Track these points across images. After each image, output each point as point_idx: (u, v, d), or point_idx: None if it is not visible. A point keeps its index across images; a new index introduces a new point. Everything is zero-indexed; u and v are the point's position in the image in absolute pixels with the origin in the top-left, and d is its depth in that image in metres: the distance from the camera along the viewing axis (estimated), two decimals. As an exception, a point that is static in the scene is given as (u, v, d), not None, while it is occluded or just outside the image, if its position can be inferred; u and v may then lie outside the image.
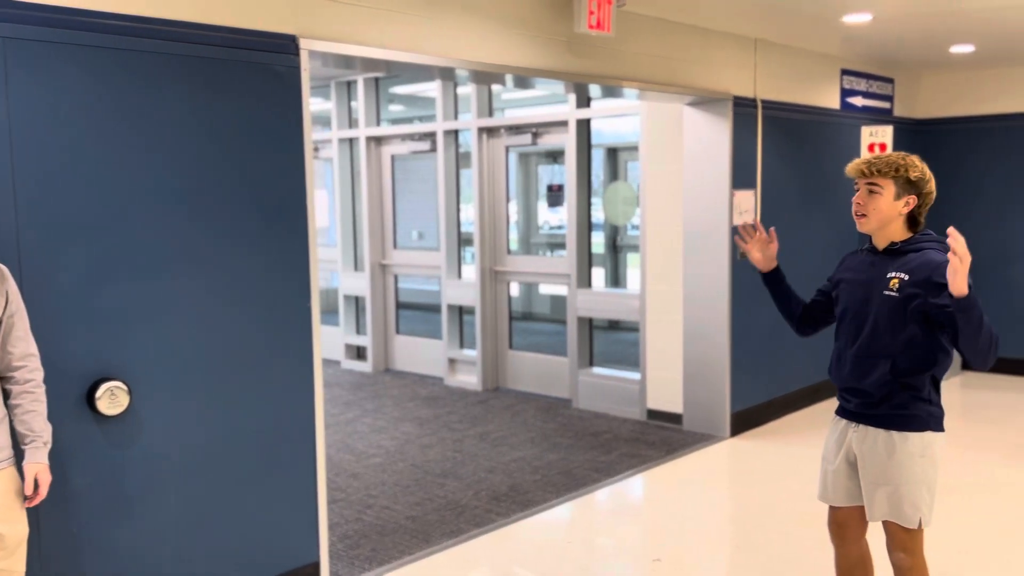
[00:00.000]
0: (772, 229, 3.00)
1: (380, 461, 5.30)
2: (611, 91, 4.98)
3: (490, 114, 7.10)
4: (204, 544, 3.19)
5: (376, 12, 3.61)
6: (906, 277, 2.59)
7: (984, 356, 2.44)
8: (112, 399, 2.89)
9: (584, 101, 6.47)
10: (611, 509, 4.70)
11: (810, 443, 5.47)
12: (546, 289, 7.52)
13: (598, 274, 6.91)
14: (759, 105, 5.75)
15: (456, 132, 7.34)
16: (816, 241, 6.29)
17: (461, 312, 7.47)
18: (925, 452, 2.62)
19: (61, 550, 2.86)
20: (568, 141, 6.55)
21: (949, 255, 2.33)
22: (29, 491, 2.45)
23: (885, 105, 7.08)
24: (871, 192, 2.66)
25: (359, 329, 8.28)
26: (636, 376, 6.28)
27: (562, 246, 7.15)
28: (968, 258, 2.32)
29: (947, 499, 4.44)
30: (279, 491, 3.39)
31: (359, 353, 8.18)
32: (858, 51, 6.29)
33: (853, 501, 2.79)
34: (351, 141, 8.20)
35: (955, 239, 2.30)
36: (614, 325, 7.08)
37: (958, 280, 2.33)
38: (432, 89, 7.54)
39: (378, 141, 7.94)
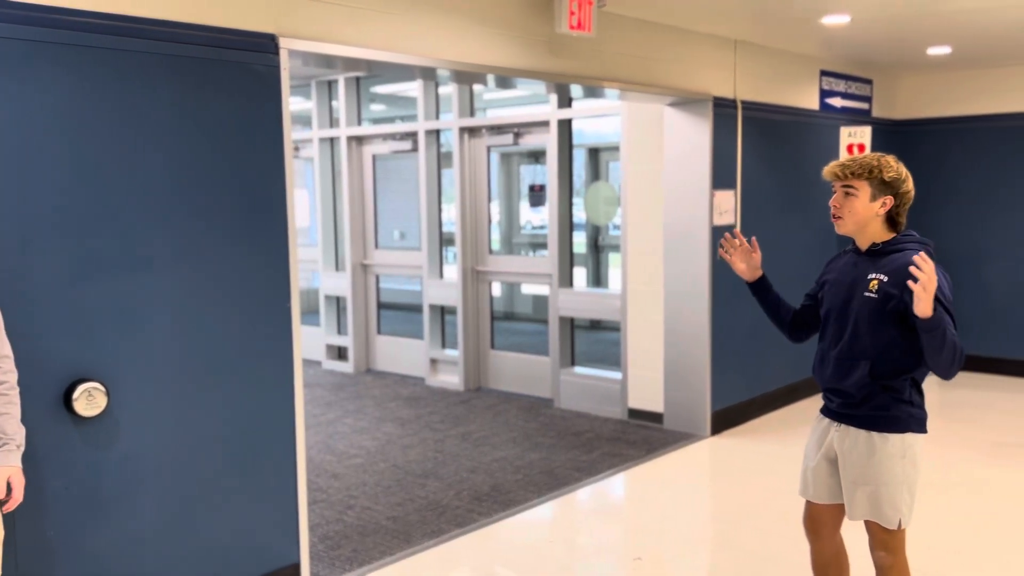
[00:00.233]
0: (754, 239, 3.00)
1: (361, 462, 5.28)
2: (592, 91, 4.99)
3: (472, 114, 7.09)
4: (183, 546, 3.17)
5: (356, 11, 3.60)
6: (885, 279, 2.61)
7: (947, 369, 2.49)
8: (89, 400, 2.87)
9: (565, 101, 6.48)
10: (592, 508, 4.72)
11: (789, 442, 5.50)
12: (528, 289, 7.53)
13: (580, 274, 6.93)
14: (739, 106, 5.78)
15: (438, 132, 7.34)
16: (796, 241, 6.34)
17: (443, 312, 7.47)
18: (906, 453, 2.64)
19: (37, 554, 2.83)
20: (550, 141, 6.56)
21: (912, 283, 2.36)
22: (1, 495, 2.42)
23: (864, 106, 7.14)
24: (847, 194, 2.67)
25: (340, 329, 8.25)
26: (617, 376, 6.30)
27: (544, 246, 7.16)
28: (934, 283, 2.35)
29: (927, 497, 4.48)
30: (259, 492, 3.37)
31: (340, 353, 8.16)
32: (837, 52, 6.34)
33: (833, 499, 2.81)
34: (332, 140, 8.17)
35: (922, 263, 2.34)
36: (595, 325, 7.10)
37: (922, 304, 2.38)
38: (413, 89, 7.53)
39: (359, 141, 7.92)
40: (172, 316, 3.09)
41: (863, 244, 2.72)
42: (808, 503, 2.89)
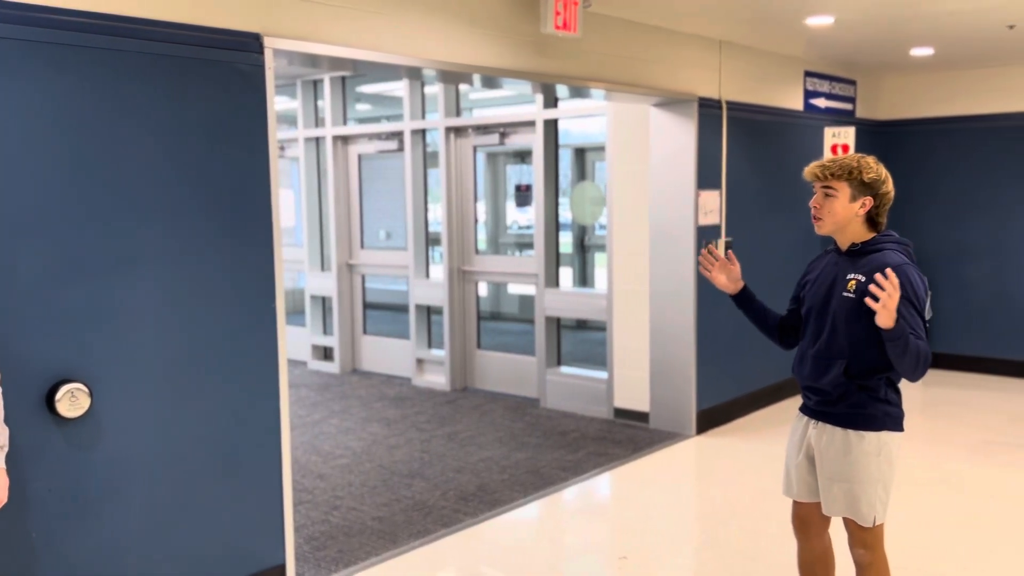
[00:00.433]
0: (730, 252, 3.03)
1: (347, 462, 5.27)
2: (578, 91, 5.00)
3: (458, 114, 7.09)
4: (168, 548, 3.16)
5: (341, 10, 3.60)
6: (862, 279, 2.63)
7: (911, 372, 2.54)
8: (72, 401, 2.85)
9: (551, 101, 6.49)
10: (578, 508, 4.73)
11: (774, 440, 5.53)
12: (514, 289, 7.53)
13: (566, 274, 6.93)
14: (724, 106, 5.80)
15: (424, 132, 7.33)
16: (781, 241, 6.37)
17: (429, 312, 7.46)
18: (881, 451, 2.66)
19: (20, 556, 2.81)
20: (536, 141, 6.56)
21: (871, 303, 2.40)
22: (-14, 495, 2.41)
23: (847, 107, 7.18)
24: (827, 195, 2.70)
25: (326, 329, 8.22)
26: (603, 375, 6.31)
27: (530, 246, 7.16)
28: (896, 296, 2.39)
29: (909, 495, 4.52)
30: (244, 493, 3.36)
31: (326, 354, 8.13)
32: (821, 53, 6.37)
33: (814, 497, 2.83)
34: (317, 140, 8.14)
35: (884, 282, 2.39)
36: (582, 324, 7.11)
37: (882, 318, 2.42)
38: (399, 88, 7.51)
39: (345, 140, 7.90)
40: (156, 316, 3.08)
41: (843, 244, 2.75)
42: (795, 503, 2.91)
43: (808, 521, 2.89)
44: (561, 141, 6.68)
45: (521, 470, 5.08)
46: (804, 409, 2.85)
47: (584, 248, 7.34)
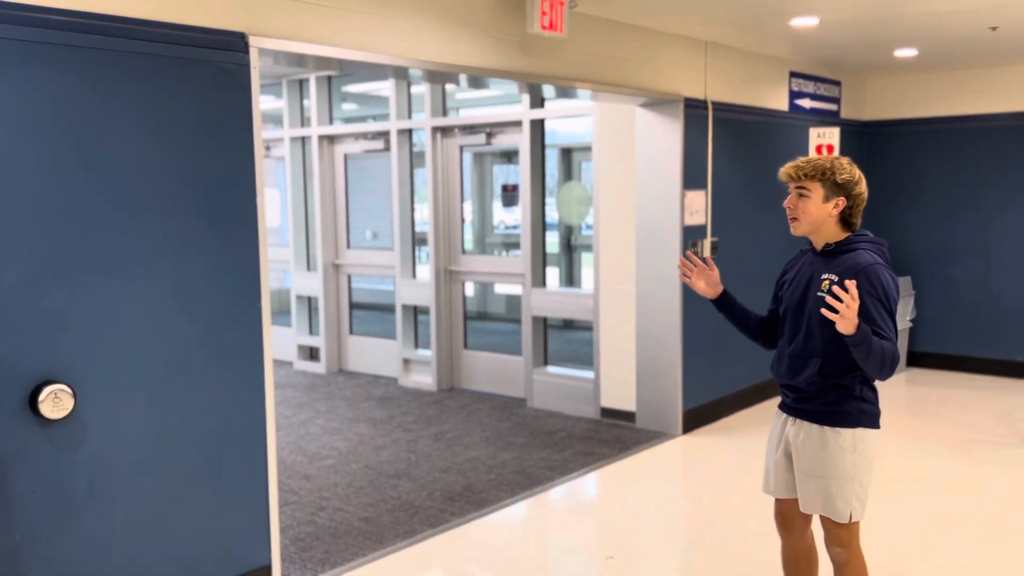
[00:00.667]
0: (708, 257, 3.04)
1: (333, 462, 5.26)
2: (564, 92, 5.01)
3: (444, 114, 7.08)
4: (153, 549, 3.14)
5: (327, 9, 3.59)
6: (835, 278, 2.66)
7: (877, 374, 2.59)
8: (56, 402, 2.83)
9: (538, 101, 6.49)
10: (565, 507, 4.73)
11: (759, 439, 5.54)
12: (501, 289, 7.53)
13: (552, 274, 6.94)
14: (710, 106, 5.82)
15: (410, 131, 7.32)
16: (766, 240, 6.39)
17: (416, 312, 7.45)
18: (856, 447, 2.69)
19: (4, 558, 2.78)
20: (522, 141, 6.56)
21: (828, 312, 2.44)
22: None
23: (832, 107, 7.22)
24: (800, 195, 2.74)
25: (312, 330, 8.20)
26: (590, 375, 6.32)
27: (517, 246, 7.16)
28: (855, 304, 2.42)
29: (890, 493, 4.55)
30: (230, 494, 3.35)
31: (312, 354, 8.11)
32: (806, 54, 6.41)
33: (792, 493, 2.86)
34: (303, 140, 8.12)
35: (843, 294, 2.42)
36: (568, 324, 7.12)
37: (841, 326, 2.46)
38: (385, 88, 7.50)
39: (331, 140, 7.87)
40: (140, 317, 3.06)
41: (818, 244, 2.79)
42: (777, 500, 2.93)
43: (790, 518, 2.91)
44: (547, 141, 6.68)
45: (508, 470, 5.08)
46: (782, 406, 2.88)
47: (571, 248, 7.35)
